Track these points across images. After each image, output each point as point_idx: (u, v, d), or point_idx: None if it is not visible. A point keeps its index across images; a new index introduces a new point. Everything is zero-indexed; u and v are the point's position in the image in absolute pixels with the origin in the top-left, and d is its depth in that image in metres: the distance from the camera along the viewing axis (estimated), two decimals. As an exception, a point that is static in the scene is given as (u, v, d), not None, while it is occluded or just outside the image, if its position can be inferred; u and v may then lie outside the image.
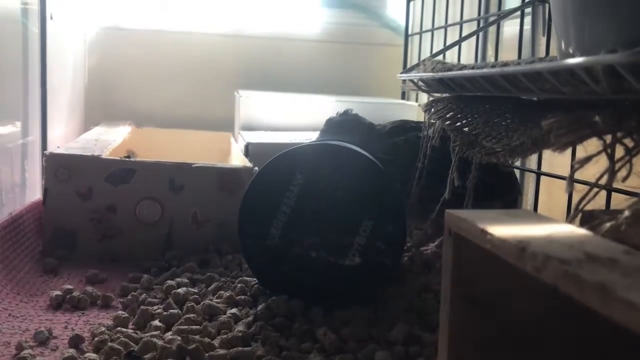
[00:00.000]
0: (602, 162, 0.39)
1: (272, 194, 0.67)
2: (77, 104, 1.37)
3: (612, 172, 0.39)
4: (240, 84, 1.45)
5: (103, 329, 0.59)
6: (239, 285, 0.71)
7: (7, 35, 0.91)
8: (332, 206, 0.66)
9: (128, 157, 0.94)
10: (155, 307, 0.66)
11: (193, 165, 0.87)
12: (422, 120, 0.81)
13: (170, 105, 1.46)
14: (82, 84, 1.42)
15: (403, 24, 1.45)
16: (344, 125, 0.84)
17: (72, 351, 0.55)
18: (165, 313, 0.63)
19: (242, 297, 0.68)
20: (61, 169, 0.85)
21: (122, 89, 1.46)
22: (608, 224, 0.35)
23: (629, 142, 0.40)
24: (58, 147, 0.96)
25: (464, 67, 0.65)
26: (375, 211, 0.66)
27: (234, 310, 0.64)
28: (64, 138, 1.19)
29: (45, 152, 0.88)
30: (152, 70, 1.46)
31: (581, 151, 0.41)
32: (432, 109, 0.74)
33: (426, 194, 0.77)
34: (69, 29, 1.28)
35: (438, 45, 1.23)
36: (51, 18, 1.06)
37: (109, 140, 1.05)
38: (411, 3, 1.42)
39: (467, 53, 1.13)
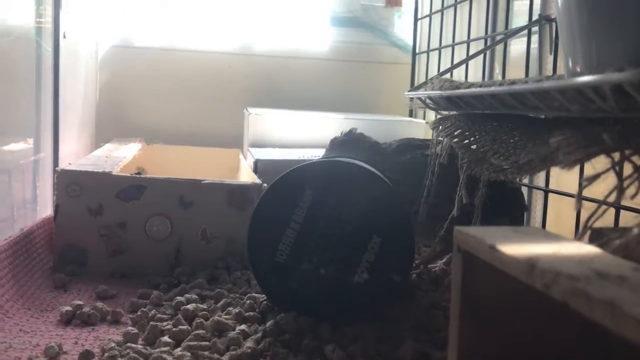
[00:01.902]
0: (610, 180, 0.39)
1: (281, 210, 0.67)
2: (89, 121, 1.39)
3: (620, 189, 0.38)
4: (249, 102, 1.46)
5: (113, 344, 0.59)
6: (248, 301, 0.71)
7: (21, 53, 0.92)
8: (341, 223, 0.67)
9: (138, 173, 0.95)
10: (164, 323, 0.66)
11: (202, 182, 0.87)
12: (429, 138, 0.82)
13: (179, 122, 1.47)
14: (93, 101, 1.43)
15: (411, 42, 1.46)
16: (348, 144, 0.84)
17: (82, 366, 0.55)
18: (174, 329, 0.63)
19: (251, 313, 0.68)
20: (72, 186, 0.85)
21: (132, 106, 1.47)
22: (617, 242, 0.35)
23: (637, 160, 0.40)
24: (69, 163, 0.97)
25: (472, 85, 0.65)
26: (383, 228, 0.66)
27: (243, 327, 0.64)
28: (75, 155, 1.20)
29: (56, 168, 0.88)
30: (162, 88, 1.48)
31: (589, 169, 0.41)
32: (440, 127, 0.75)
33: (434, 212, 0.77)
34: (82, 47, 1.29)
35: (445, 64, 1.24)
36: (64, 37, 1.07)
37: (119, 156, 1.06)
38: (419, 22, 1.43)
39: (475, 71, 1.13)
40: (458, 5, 1.20)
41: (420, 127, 1.30)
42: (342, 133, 0.87)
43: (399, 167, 0.81)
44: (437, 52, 1.29)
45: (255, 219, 0.68)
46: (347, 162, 0.71)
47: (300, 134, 1.27)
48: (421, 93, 0.79)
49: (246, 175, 1.05)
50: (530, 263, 0.27)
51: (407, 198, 0.75)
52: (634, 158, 0.40)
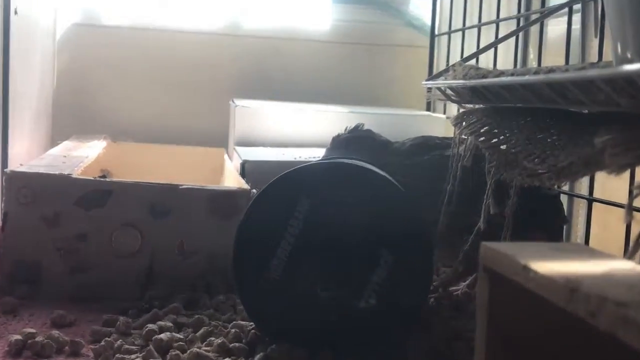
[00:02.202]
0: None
1: (273, 221, 0.67)
2: (44, 113, 1.38)
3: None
4: (236, 91, 1.46)
5: (71, 380, 0.59)
6: (233, 330, 0.71)
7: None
8: (345, 236, 0.67)
9: (103, 176, 0.95)
10: (133, 356, 0.65)
11: (179, 187, 0.87)
12: (450, 135, 0.82)
13: (152, 116, 1.47)
14: (50, 90, 1.42)
15: (428, 22, 1.47)
16: (353, 143, 0.85)
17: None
18: (144, 363, 0.63)
19: (237, 344, 0.68)
20: (24, 190, 0.85)
21: (96, 97, 1.47)
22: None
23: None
24: (20, 164, 0.97)
25: (502, 73, 0.66)
26: (396, 243, 0.66)
27: (226, 360, 0.64)
28: (28, 154, 1.19)
29: (5, 170, 0.88)
30: (133, 75, 1.48)
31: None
32: (464, 123, 0.75)
33: (456, 223, 0.77)
34: (37, 25, 1.29)
35: (470, 48, 1.24)
36: (15, 13, 1.07)
37: (80, 156, 1.06)
38: (438, -2, 1.43)
39: (505, 57, 1.13)
40: (485, -22, 1.20)
41: (440, 123, 1.31)
42: (346, 130, 0.87)
43: (414, 170, 0.81)
44: (460, 33, 1.29)
45: (242, 230, 0.68)
46: (352, 164, 0.71)
47: (296, 131, 1.27)
48: (441, 83, 0.79)
49: (232, 179, 1.05)
50: (572, 287, 0.27)
51: (423, 207, 0.75)
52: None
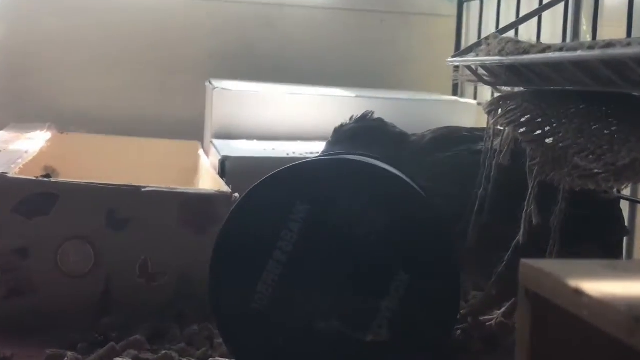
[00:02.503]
0: None
1: (260, 233, 0.67)
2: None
3: None
4: (214, 71, 1.45)
5: None
6: (210, 368, 0.71)
7: None
8: (350, 253, 0.67)
9: (47, 176, 0.94)
10: (84, 401, 0.65)
11: (143, 190, 0.87)
12: (482, 126, 0.82)
13: (109, 101, 1.47)
14: (-19, 69, 1.43)
15: (455, -16, 1.47)
16: (360, 136, 0.86)
17: None
18: (98, 409, 0.63)
19: (214, 386, 0.68)
20: (-52, 193, 0.85)
21: (39, 78, 1.46)
22: None
23: None
24: (-56, 160, 0.97)
25: (547, 48, 0.66)
26: (413, 261, 0.66)
27: (201, 407, 0.64)
28: (-47, 147, 1.19)
29: None
30: (84, 51, 1.47)
31: None
32: (499, 110, 0.75)
33: (489, 236, 0.77)
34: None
35: (508, 17, 1.24)
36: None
37: (19, 150, 1.05)
38: (468, -46, 1.43)
39: (552, 28, 1.13)
40: None
41: (470, 110, 1.30)
42: (351, 119, 0.88)
43: (436, 169, 0.82)
44: (494, -1, 1.29)
45: (221, 246, 0.68)
46: (360, 162, 0.71)
47: (290, 120, 1.27)
48: (471, 60, 0.80)
49: (208, 181, 1.05)
50: (635, 315, 0.27)
51: (447, 215, 0.75)
52: None
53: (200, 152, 1.27)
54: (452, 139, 0.84)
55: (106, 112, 1.46)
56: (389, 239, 0.67)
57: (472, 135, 0.84)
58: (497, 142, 0.76)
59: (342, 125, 0.88)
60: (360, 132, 0.86)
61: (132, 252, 0.87)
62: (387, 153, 0.81)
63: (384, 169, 0.71)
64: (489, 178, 0.76)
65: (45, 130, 1.28)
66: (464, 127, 0.89)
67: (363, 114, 0.88)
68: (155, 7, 1.50)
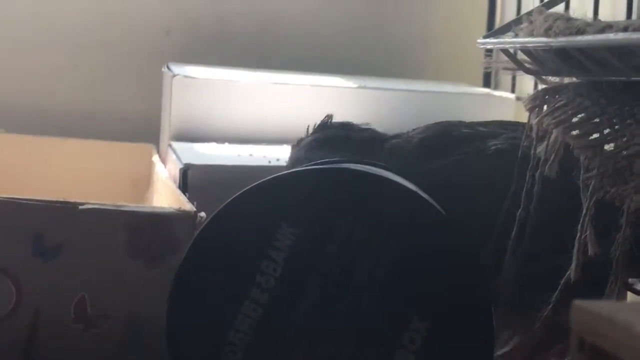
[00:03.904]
0: None
1: (233, 265, 0.67)
2: None
3: None
4: (173, 52, 1.46)
5: None
6: None
7: None
8: (350, 291, 0.67)
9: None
10: None
11: (80, 208, 0.87)
12: (515, 121, 0.83)
13: (37, 92, 1.47)
14: None
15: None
16: (320, 148, 0.88)
17: None
18: None
19: None
20: None
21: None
22: None
23: None
24: None
25: (608, 27, 0.65)
26: (432, 303, 0.67)
27: None
28: None
29: None
30: (5, 28, 1.47)
31: None
32: (545, 106, 0.76)
33: (531, 270, 0.78)
34: None
35: (556, -14, 1.24)
36: None
37: None
38: None
39: (610, 1, 1.14)
40: None
41: (507, 105, 1.31)
42: (307, 131, 0.91)
43: (431, 182, 0.80)
44: (538, -37, 1.29)
45: (182, 281, 0.68)
46: (362, 173, 0.71)
47: (272, 117, 1.27)
48: (509, 41, 0.80)
49: (165, 196, 1.05)
50: None
51: (476, 243, 0.75)
52: None
53: (155, 158, 1.25)
54: (452, 138, 0.85)
55: (32, 106, 1.46)
56: (401, 274, 0.67)
57: (476, 132, 0.86)
58: (542, 147, 0.75)
59: (299, 140, 0.91)
60: (320, 145, 0.88)
61: (65, 288, 0.86)
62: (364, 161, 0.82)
63: (395, 182, 0.71)
64: (531, 194, 0.77)
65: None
66: (463, 122, 0.89)
67: (321, 121, 0.91)
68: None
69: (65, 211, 0.87)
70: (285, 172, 0.71)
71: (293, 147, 0.91)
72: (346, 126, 0.90)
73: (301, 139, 0.91)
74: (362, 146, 0.86)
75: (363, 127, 0.90)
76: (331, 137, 0.89)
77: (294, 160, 0.90)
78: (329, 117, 0.91)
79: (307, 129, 0.92)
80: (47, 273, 0.86)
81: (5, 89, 1.47)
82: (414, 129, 0.88)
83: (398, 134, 0.88)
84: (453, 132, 0.86)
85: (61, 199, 0.88)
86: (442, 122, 0.89)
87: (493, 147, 0.81)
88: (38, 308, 0.86)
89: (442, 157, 0.83)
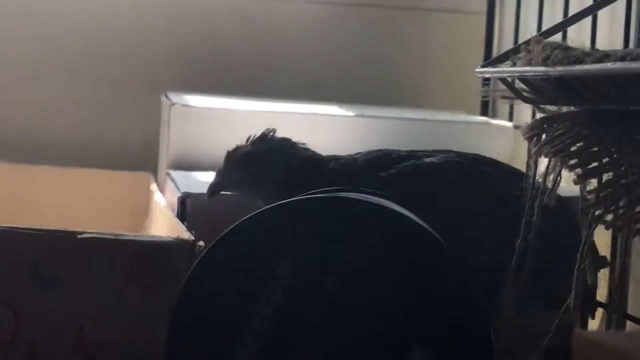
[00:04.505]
0: None
1: (232, 295, 0.68)
2: None
3: None
4: (171, 81, 1.45)
5: None
6: None
7: None
8: (351, 321, 0.67)
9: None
10: None
11: (78, 237, 0.86)
12: (519, 155, 0.82)
13: (36, 121, 1.46)
14: None
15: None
16: (259, 159, 0.91)
17: None
18: None
19: None
20: None
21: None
22: None
23: None
24: None
25: (605, 56, 0.66)
26: (433, 332, 0.67)
27: None
28: None
29: None
30: (18, 52, 1.47)
31: None
32: (544, 135, 0.76)
33: (532, 298, 0.79)
34: None
35: (553, 16, 1.25)
36: None
37: None
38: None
39: (610, 30, 1.14)
40: None
41: (505, 134, 1.30)
42: (248, 140, 0.93)
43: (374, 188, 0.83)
44: (536, -8, 1.30)
45: (181, 311, 0.69)
46: (363, 202, 0.72)
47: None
48: (507, 70, 0.80)
49: (164, 224, 1.05)
50: None
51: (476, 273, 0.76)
52: None
53: (153, 186, 1.25)
54: (390, 160, 0.87)
55: (31, 136, 1.46)
56: (400, 304, 0.68)
57: (413, 154, 0.88)
58: (539, 176, 0.76)
59: (236, 149, 0.92)
60: (259, 156, 0.90)
61: (63, 318, 0.86)
62: (295, 181, 0.86)
63: (394, 212, 0.71)
64: (530, 225, 0.77)
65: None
66: (401, 150, 0.91)
67: (263, 132, 0.92)
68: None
69: (63, 240, 0.87)
70: (284, 201, 0.71)
71: (228, 155, 0.93)
72: (288, 142, 0.92)
73: (237, 148, 0.93)
74: (305, 162, 0.90)
75: (302, 145, 0.92)
76: (272, 149, 0.91)
77: (226, 171, 0.92)
78: (271, 130, 0.93)
79: (248, 139, 0.93)
80: (45, 302, 0.86)
81: (6, 120, 1.46)
82: (357, 153, 0.89)
83: (338, 156, 0.90)
84: (392, 154, 0.88)
85: (59, 228, 0.87)
86: (382, 148, 0.90)
87: (428, 161, 0.83)
88: (37, 338, 0.86)
89: (383, 172, 0.85)
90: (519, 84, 0.80)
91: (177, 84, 1.44)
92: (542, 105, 0.81)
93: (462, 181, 0.84)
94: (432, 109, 1.48)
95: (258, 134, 0.93)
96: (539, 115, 0.82)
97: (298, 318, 0.67)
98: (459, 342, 0.68)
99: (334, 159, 0.90)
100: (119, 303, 0.87)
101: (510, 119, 1.37)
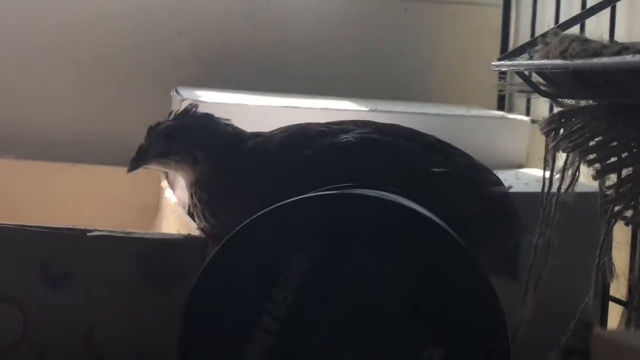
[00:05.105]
0: None
1: (243, 293, 0.67)
2: None
3: None
4: (182, 76, 1.45)
5: None
6: None
7: None
8: (364, 319, 0.67)
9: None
10: None
11: (88, 235, 0.87)
12: (537, 150, 0.82)
13: (45, 118, 1.46)
14: None
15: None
16: (180, 135, 0.91)
17: None
18: None
19: None
20: None
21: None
22: None
23: None
24: None
25: (624, 49, 0.65)
26: (448, 329, 0.67)
27: None
28: None
29: None
30: (10, 51, 1.47)
31: None
32: (562, 130, 0.76)
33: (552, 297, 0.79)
34: None
35: (570, 8, 1.24)
36: None
37: None
38: None
39: (626, 22, 1.13)
40: None
41: (521, 129, 1.30)
42: (170, 114, 0.93)
43: (291, 170, 0.85)
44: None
45: (192, 309, 0.68)
46: (377, 199, 0.71)
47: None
48: (524, 63, 0.80)
49: (175, 222, 1.05)
50: None
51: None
52: None
53: (164, 183, 1.25)
54: (307, 136, 0.88)
55: (40, 132, 1.45)
56: (415, 302, 0.67)
57: (330, 129, 0.88)
58: (558, 171, 0.77)
59: (158, 124, 0.92)
60: (180, 132, 0.90)
61: (73, 318, 0.86)
62: (215, 157, 0.88)
63: (409, 208, 0.71)
64: (549, 221, 0.77)
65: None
66: (320, 123, 0.92)
67: (185, 108, 0.93)
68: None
69: (73, 238, 0.87)
70: (296, 198, 0.70)
71: (150, 130, 0.92)
72: (210, 118, 0.92)
73: (158, 123, 0.92)
74: (226, 138, 0.90)
75: (225, 121, 0.93)
76: (193, 125, 0.91)
77: (147, 145, 0.92)
78: (194, 105, 0.94)
79: (169, 114, 0.93)
80: (54, 302, 0.86)
81: (14, 116, 1.47)
82: (276, 129, 0.91)
83: (259, 133, 0.91)
84: (309, 130, 0.89)
85: (69, 226, 0.87)
86: (301, 123, 0.92)
87: (344, 140, 0.83)
88: (46, 338, 0.86)
89: (300, 151, 0.86)
90: (536, 78, 0.80)
91: (187, 79, 1.43)
92: (559, 99, 0.81)
93: (376, 160, 0.84)
94: (446, 103, 1.47)
95: (181, 109, 0.94)
96: (556, 110, 0.82)
97: (310, 317, 0.67)
98: (476, 340, 0.67)
99: (255, 136, 0.90)
100: (129, 302, 0.87)
101: (528, 113, 1.36)
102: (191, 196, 0.89)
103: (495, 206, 0.84)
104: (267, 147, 0.88)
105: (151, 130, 0.92)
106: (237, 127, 0.93)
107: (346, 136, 0.84)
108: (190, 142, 0.89)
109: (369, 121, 0.91)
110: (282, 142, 0.88)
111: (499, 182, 0.88)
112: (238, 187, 0.85)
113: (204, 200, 0.87)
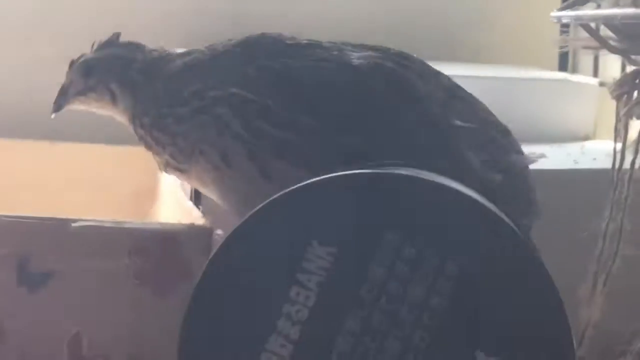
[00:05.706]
0: None
1: (256, 292, 0.66)
2: None
3: None
4: (176, 39, 1.43)
5: None
6: None
7: None
8: (400, 323, 0.65)
9: None
10: None
11: (73, 225, 0.85)
12: (606, 117, 0.82)
13: (26, 89, 1.48)
14: None
15: None
16: (100, 68, 0.90)
17: None
18: None
19: None
20: None
21: None
22: None
23: None
24: None
25: None
26: (502, 336, 0.65)
27: None
28: None
29: None
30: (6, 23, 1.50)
31: None
32: (636, 92, 0.75)
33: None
34: None
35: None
36: None
37: None
38: None
39: None
40: None
41: (588, 93, 1.29)
42: (93, 47, 0.92)
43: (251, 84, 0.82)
44: None
45: (196, 313, 0.67)
46: (416, 180, 0.69)
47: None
48: (590, 14, 0.77)
49: (175, 209, 1.05)
50: None
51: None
52: None
53: (161, 166, 1.25)
54: (262, 45, 0.86)
55: (22, 108, 1.46)
56: (461, 302, 0.65)
57: (320, 45, 0.85)
58: (631, 144, 0.76)
59: (79, 57, 0.91)
60: (99, 65, 0.90)
61: (56, 323, 0.85)
62: (137, 89, 0.87)
63: (454, 190, 0.68)
64: (620, 203, 0.77)
65: None
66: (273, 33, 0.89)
67: (108, 38, 0.92)
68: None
69: (55, 230, 0.86)
70: (318, 178, 0.69)
71: (71, 64, 0.91)
72: (132, 46, 0.90)
73: (78, 57, 0.91)
74: (147, 68, 0.88)
75: (153, 48, 0.90)
76: (113, 56, 0.90)
77: (71, 82, 0.91)
78: (116, 35, 0.92)
79: (92, 45, 0.92)
80: (34, 305, 0.85)
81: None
82: (218, 43, 0.88)
83: (192, 51, 0.88)
84: (263, 40, 0.86)
85: (50, 215, 0.86)
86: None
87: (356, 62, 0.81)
88: (24, 348, 0.85)
89: (272, 60, 0.84)
90: (605, 31, 0.77)
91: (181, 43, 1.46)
92: (633, 56, 0.78)
93: (393, 96, 0.81)
94: (498, 64, 1.48)
95: (103, 40, 0.93)
96: (629, 69, 0.79)
97: (335, 320, 0.66)
98: (535, 348, 0.66)
99: (184, 54, 0.89)
100: (122, 304, 0.88)
101: (595, 74, 1.36)
102: (138, 135, 0.88)
103: (514, 179, 0.83)
104: (204, 66, 0.86)
105: (71, 65, 0.91)
106: (166, 51, 0.91)
107: (356, 55, 0.81)
108: (110, 76, 0.89)
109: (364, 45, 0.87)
110: (241, 50, 0.86)
111: (521, 151, 0.86)
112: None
113: (147, 124, 0.86)
